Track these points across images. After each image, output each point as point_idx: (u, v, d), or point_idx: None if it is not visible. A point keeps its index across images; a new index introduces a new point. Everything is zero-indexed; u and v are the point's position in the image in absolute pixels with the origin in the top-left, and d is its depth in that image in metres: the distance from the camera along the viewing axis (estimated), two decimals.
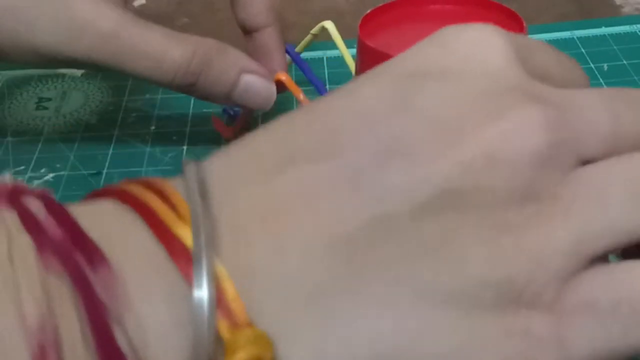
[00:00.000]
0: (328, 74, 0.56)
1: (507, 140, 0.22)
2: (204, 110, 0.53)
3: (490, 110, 0.23)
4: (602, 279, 0.22)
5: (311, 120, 0.24)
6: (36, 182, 0.47)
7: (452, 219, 0.22)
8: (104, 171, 0.47)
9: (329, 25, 0.50)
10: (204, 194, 0.22)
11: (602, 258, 0.23)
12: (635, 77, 0.53)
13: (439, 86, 0.23)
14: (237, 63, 0.44)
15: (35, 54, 0.42)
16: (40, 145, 0.50)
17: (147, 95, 0.55)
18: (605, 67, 0.54)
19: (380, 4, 0.44)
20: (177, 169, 0.49)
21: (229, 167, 0.23)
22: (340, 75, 0.55)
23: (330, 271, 0.21)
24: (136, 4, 0.67)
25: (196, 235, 0.21)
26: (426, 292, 0.21)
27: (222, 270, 0.21)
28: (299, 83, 0.53)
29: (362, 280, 0.21)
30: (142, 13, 0.44)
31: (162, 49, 0.42)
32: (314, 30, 0.51)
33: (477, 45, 0.24)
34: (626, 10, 0.62)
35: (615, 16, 0.61)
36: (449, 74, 0.24)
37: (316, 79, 0.48)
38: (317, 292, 0.21)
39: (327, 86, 0.53)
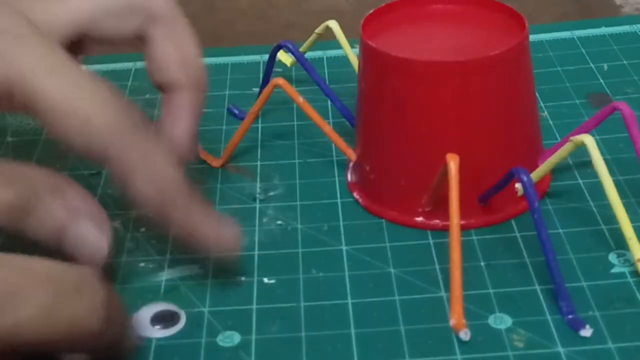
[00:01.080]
0: (328, 73, 0.56)
1: None
2: (204, 110, 0.53)
3: None
4: None
5: None
6: None
7: None
8: (104, 171, 0.47)
9: (333, 24, 0.50)
10: None
11: None
12: (635, 77, 0.53)
13: None
14: (67, 206, 0.36)
15: None
16: (40, 145, 0.50)
17: (147, 95, 0.54)
18: (605, 67, 0.54)
19: (381, 4, 0.44)
20: None
21: None
22: (340, 75, 0.55)
23: None
24: None
25: None
26: None
27: None
28: (302, 83, 0.53)
29: None
30: None
31: None
32: (319, 30, 0.51)
33: None
34: (626, 10, 0.63)
35: (615, 16, 0.62)
36: None
37: (320, 79, 0.48)
38: None
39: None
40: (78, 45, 0.42)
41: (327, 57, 0.58)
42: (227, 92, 0.55)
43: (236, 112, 0.52)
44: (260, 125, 0.51)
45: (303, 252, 0.41)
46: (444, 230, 0.40)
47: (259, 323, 0.37)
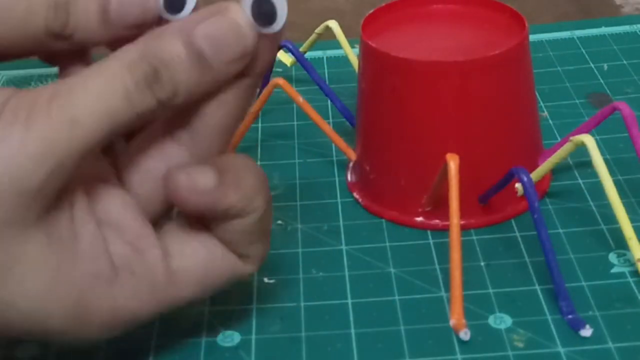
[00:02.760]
0: (328, 73, 0.56)
1: None
2: None
3: None
4: None
5: None
6: None
7: None
8: None
9: (333, 24, 0.50)
10: None
11: None
12: (635, 77, 0.53)
13: None
14: None
15: None
16: None
17: None
18: (605, 67, 0.54)
19: (382, 4, 0.44)
20: None
21: None
22: (340, 75, 0.55)
23: None
24: None
25: None
26: None
27: None
28: (302, 83, 0.53)
29: None
30: None
31: None
32: (319, 30, 0.51)
33: None
34: (626, 10, 0.63)
35: (615, 16, 0.62)
36: None
37: (320, 79, 0.48)
38: None
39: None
40: None
41: (327, 57, 0.58)
42: None
43: None
44: (260, 125, 0.51)
45: (303, 252, 0.41)
46: (444, 230, 0.40)
47: (259, 323, 0.37)
